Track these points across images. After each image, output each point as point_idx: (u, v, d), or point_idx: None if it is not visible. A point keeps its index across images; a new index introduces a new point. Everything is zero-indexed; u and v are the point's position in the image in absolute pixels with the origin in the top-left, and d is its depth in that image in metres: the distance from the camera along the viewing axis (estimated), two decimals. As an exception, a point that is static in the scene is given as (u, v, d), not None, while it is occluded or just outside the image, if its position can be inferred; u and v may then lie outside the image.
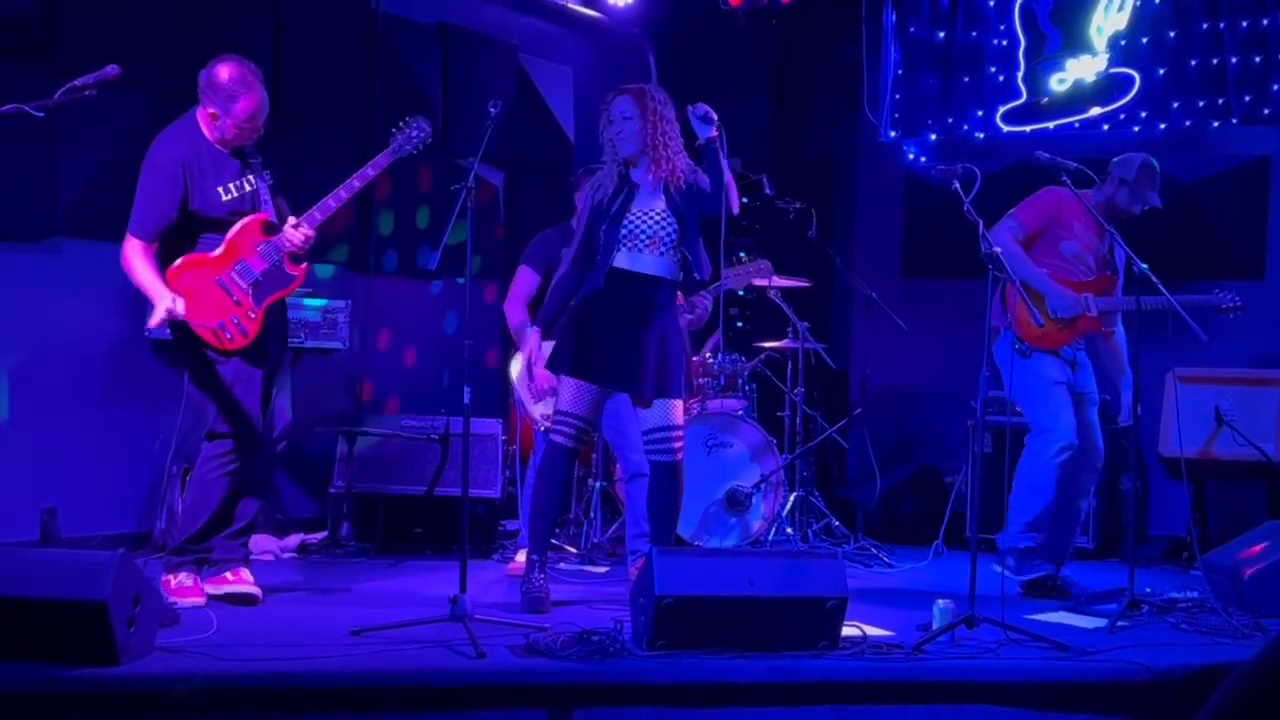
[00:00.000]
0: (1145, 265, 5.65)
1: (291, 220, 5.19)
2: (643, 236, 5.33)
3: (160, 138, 5.16)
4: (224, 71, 5.07)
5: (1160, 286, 5.55)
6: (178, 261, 5.07)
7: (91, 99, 4.72)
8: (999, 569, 5.89)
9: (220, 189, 5.13)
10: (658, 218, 5.35)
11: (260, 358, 5.24)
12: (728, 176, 5.22)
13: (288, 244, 5.16)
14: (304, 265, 5.32)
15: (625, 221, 5.33)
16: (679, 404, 5.37)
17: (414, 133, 5.32)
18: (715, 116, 5.18)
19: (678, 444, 5.35)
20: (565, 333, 5.40)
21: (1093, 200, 6.02)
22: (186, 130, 5.16)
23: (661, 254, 5.35)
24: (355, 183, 5.27)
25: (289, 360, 5.69)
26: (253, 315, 5.15)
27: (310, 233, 5.20)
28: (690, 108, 5.23)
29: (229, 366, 5.15)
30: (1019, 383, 6.07)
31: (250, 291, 5.13)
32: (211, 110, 5.09)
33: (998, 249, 5.24)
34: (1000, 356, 6.12)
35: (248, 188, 5.21)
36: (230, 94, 5.06)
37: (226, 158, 5.19)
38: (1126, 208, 6.09)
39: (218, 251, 5.11)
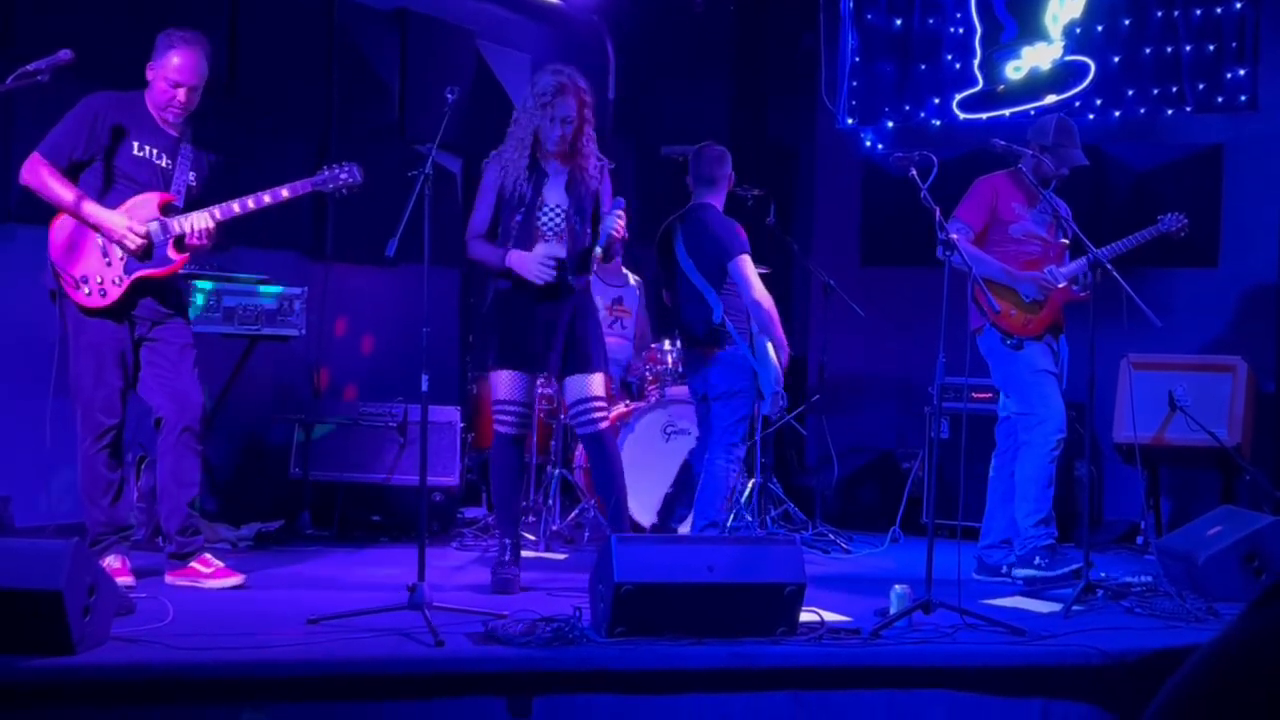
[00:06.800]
0: (1099, 251, 5.71)
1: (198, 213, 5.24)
2: (549, 232, 5.49)
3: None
4: (175, 30, 5.26)
5: (1114, 273, 5.59)
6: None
7: (45, 85, 4.71)
8: (1022, 572, 5.93)
9: (136, 143, 5.23)
10: (566, 213, 5.50)
11: (120, 330, 5.27)
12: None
13: (178, 227, 5.21)
14: (185, 256, 5.31)
15: (537, 217, 5.46)
16: (598, 376, 5.54)
17: (342, 174, 5.37)
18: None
19: (598, 414, 5.53)
20: (486, 328, 5.59)
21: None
22: (128, 94, 5.31)
23: (566, 241, 5.50)
24: (265, 197, 5.29)
25: (186, 348, 5.43)
26: (117, 281, 5.21)
27: (209, 225, 5.21)
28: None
29: (87, 332, 5.24)
30: (1013, 375, 6.10)
31: (124, 259, 5.20)
32: (150, 63, 5.24)
33: (954, 235, 5.28)
34: (987, 350, 6.15)
35: (162, 163, 5.28)
36: (168, 46, 5.22)
37: (157, 126, 5.29)
38: (1054, 172, 6.14)
39: (112, 210, 5.18)
